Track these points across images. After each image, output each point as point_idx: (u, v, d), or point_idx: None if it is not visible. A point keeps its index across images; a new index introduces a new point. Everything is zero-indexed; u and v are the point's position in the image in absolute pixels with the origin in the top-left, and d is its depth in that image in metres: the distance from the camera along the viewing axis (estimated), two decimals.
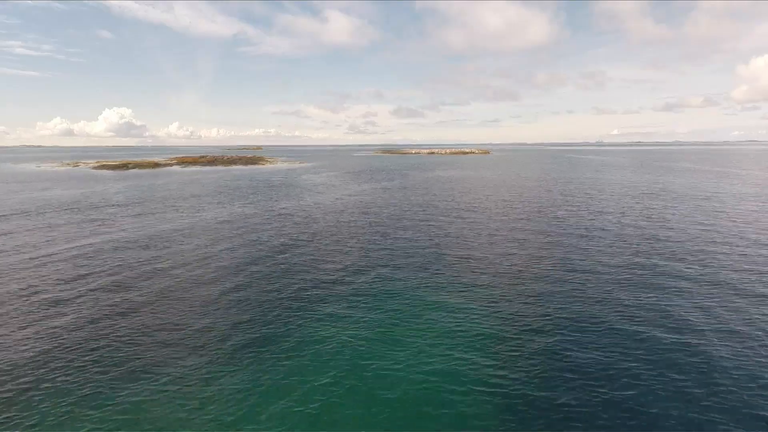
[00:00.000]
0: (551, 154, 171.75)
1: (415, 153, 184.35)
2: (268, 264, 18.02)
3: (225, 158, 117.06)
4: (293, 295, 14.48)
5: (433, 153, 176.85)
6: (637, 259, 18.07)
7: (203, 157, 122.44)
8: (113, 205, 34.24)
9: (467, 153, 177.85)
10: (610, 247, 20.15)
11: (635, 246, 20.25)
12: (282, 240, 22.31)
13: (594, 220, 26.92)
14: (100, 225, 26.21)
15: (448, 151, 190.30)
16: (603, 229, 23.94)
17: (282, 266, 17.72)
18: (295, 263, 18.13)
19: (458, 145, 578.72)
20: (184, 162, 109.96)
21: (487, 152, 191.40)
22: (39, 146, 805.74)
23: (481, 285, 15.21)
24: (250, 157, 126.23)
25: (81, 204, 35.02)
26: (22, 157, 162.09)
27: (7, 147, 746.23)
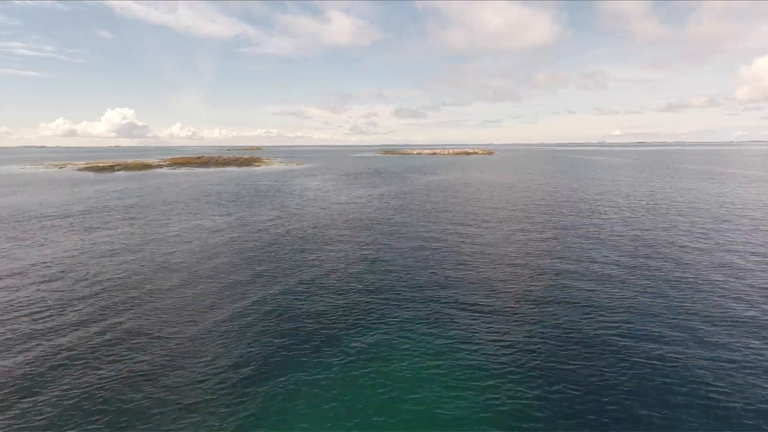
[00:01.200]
0: (555, 155, 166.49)
1: (416, 154, 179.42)
2: (228, 304, 13.16)
3: (220, 159, 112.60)
4: (261, 349, 9.63)
5: (435, 153, 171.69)
6: (682, 291, 13.13)
7: (198, 157, 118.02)
8: (64, 216, 29.46)
9: (470, 153, 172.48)
10: (658, 273, 15.20)
11: (682, 273, 15.30)
12: (250, 267, 17.44)
13: (634, 244, 21.96)
14: (28, 246, 21.46)
15: (450, 151, 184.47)
16: (647, 252, 18.97)
17: (248, 305, 12.85)
18: (271, 301, 13.26)
19: (461, 145, 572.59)
20: (176, 163, 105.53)
21: (490, 153, 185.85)
22: (42, 147, 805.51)
23: (497, 329, 10.30)
24: (246, 158, 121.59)
25: (27, 214, 30.29)
26: (17, 158, 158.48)
27: (8, 147, 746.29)
